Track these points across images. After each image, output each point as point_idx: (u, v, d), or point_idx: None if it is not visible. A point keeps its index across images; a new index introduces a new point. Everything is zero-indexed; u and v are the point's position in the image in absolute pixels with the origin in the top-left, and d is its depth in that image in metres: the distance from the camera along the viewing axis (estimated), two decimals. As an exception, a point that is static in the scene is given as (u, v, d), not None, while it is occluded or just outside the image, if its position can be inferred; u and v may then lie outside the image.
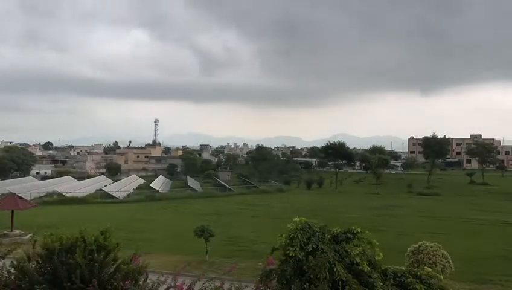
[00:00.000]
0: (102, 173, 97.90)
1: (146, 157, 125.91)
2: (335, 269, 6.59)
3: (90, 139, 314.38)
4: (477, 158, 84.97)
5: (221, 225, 29.68)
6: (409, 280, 7.12)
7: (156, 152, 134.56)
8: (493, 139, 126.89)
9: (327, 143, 74.41)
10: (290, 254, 7.08)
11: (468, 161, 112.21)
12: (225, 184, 69.67)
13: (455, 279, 15.45)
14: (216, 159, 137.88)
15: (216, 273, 12.89)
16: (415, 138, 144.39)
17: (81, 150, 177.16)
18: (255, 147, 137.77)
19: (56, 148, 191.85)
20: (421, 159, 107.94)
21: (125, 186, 63.01)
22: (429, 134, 75.78)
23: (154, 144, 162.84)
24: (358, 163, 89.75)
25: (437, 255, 13.69)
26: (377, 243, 7.49)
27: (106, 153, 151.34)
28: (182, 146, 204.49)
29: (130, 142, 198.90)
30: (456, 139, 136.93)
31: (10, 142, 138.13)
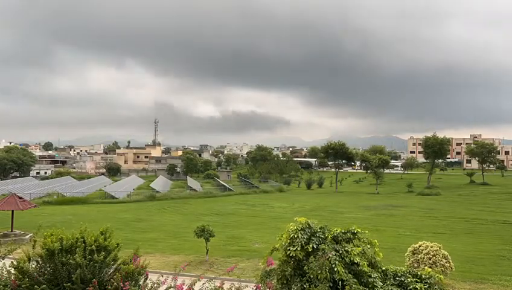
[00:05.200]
0: (102, 173, 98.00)
1: (146, 157, 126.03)
2: (335, 269, 6.59)
3: (90, 140, 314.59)
4: (477, 158, 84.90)
5: (221, 225, 29.70)
6: (409, 279, 7.12)
7: (156, 152, 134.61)
8: (493, 139, 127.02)
9: (328, 143, 74.36)
10: (291, 254, 7.08)
11: (468, 161, 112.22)
12: (225, 184, 69.68)
13: (455, 279, 15.46)
14: (216, 159, 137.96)
15: (216, 274, 12.91)
16: (414, 137, 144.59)
17: (81, 150, 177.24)
18: (255, 147, 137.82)
19: (56, 149, 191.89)
20: (421, 159, 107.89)
21: (125, 186, 63.02)
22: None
23: (154, 144, 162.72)
24: (358, 163, 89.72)
25: (437, 255, 13.69)
26: (377, 243, 7.49)
27: (106, 154, 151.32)
28: (182, 146, 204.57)
29: (129, 142, 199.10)
30: (456, 139, 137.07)
31: (10, 142, 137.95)
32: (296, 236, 7.21)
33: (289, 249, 7.13)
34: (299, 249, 7.05)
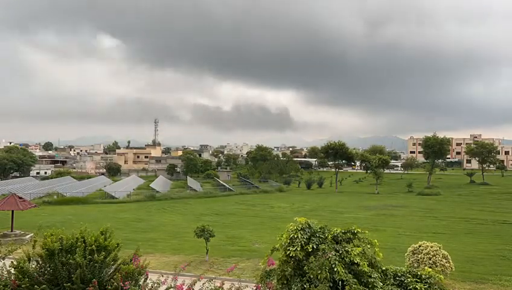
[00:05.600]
0: (102, 173, 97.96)
1: (146, 157, 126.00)
2: (335, 269, 6.60)
3: (90, 140, 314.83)
4: (477, 158, 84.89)
5: (221, 225, 29.71)
6: (409, 279, 7.13)
7: (156, 152, 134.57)
8: (493, 139, 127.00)
9: (328, 143, 74.29)
10: (291, 254, 7.08)
11: (468, 161, 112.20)
12: (225, 184, 69.68)
13: (455, 279, 15.47)
14: (216, 159, 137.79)
15: (216, 274, 12.91)
16: (414, 137, 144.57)
17: (81, 150, 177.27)
18: (255, 147, 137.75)
19: (56, 149, 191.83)
20: (421, 159, 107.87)
21: (125, 186, 63.02)
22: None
23: (154, 144, 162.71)
24: (358, 163, 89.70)
25: (437, 255, 13.70)
26: (378, 243, 7.49)
27: (106, 154, 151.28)
28: (182, 146, 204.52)
29: (129, 142, 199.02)
30: (456, 139, 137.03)
31: (10, 142, 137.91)
32: (296, 236, 7.21)
33: (289, 249, 7.13)
34: (299, 249, 7.05)
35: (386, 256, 7.64)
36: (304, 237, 7.19)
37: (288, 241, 7.28)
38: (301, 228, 7.35)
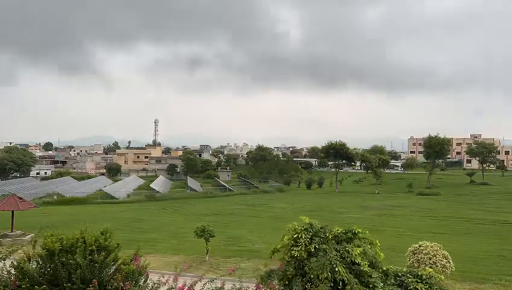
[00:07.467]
0: (103, 174, 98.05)
1: (146, 157, 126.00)
2: (336, 269, 6.60)
3: (90, 140, 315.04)
4: (477, 158, 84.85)
5: (222, 225, 29.70)
6: (409, 280, 7.13)
7: (156, 152, 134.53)
8: (493, 138, 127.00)
9: (328, 143, 74.23)
10: (295, 255, 7.08)
11: (469, 161, 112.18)
12: (225, 184, 69.71)
13: (455, 279, 15.45)
14: (216, 160, 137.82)
15: (217, 274, 12.92)
16: (414, 137, 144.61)
17: (81, 151, 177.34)
18: (255, 147, 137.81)
19: (56, 149, 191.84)
20: (421, 159, 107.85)
21: (125, 186, 63.04)
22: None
23: (154, 144, 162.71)
24: (358, 163, 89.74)
25: (437, 255, 13.68)
26: (379, 244, 7.49)
27: (106, 154, 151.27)
28: (182, 146, 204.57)
29: (129, 142, 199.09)
30: (456, 139, 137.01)
31: (10, 143, 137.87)
32: (300, 236, 7.22)
33: (293, 249, 7.13)
34: (303, 249, 7.05)
35: (386, 256, 7.66)
36: (307, 237, 7.19)
37: (292, 241, 7.28)
38: (305, 228, 7.36)
